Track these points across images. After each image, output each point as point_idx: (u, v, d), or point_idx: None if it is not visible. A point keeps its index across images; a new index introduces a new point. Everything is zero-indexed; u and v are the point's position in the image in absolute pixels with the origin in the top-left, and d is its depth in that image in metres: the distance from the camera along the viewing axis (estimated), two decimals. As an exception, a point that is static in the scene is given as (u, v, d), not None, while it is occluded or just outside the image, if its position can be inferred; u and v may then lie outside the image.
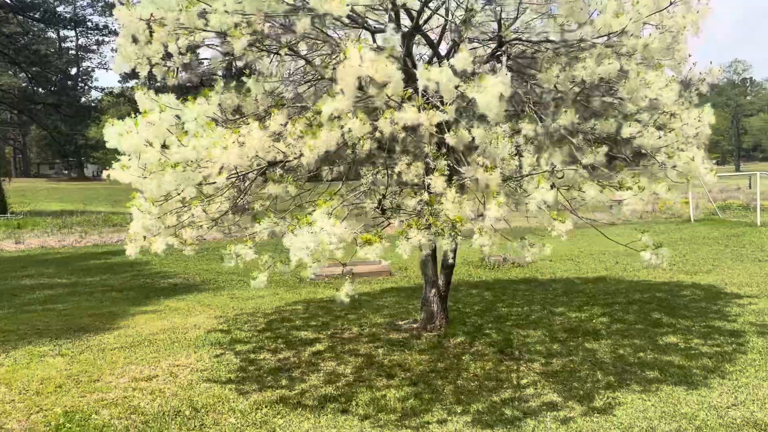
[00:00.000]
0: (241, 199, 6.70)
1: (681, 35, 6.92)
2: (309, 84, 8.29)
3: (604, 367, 7.61)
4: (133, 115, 5.79)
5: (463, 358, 8.14)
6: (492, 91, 4.74)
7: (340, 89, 4.81)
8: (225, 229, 8.09)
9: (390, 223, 6.69)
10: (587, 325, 9.72)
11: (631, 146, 6.96)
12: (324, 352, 8.57)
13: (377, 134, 5.08)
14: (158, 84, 10.35)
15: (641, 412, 6.12)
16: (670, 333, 9.09)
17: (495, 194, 4.91)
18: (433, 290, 9.34)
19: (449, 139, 5.25)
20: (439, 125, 5.30)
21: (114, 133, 5.91)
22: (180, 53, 7.95)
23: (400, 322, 10.00)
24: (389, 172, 5.50)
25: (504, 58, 6.32)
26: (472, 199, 5.39)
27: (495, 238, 5.40)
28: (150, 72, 8.07)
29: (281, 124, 5.47)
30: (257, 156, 5.50)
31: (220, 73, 8.82)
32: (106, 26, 56.68)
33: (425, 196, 5.71)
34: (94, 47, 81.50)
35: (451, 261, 8.51)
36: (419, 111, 4.97)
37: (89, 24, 61.62)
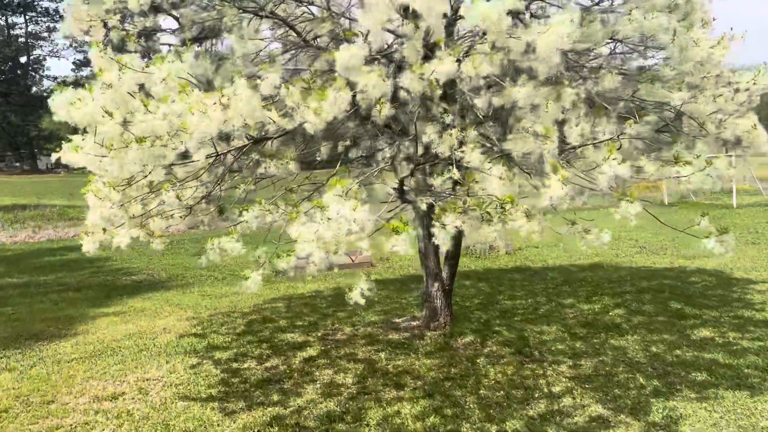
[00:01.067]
0: (222, 182, 5.55)
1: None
2: (291, 51, 7.13)
3: (642, 369, 6.68)
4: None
5: (478, 361, 7.13)
6: (558, 30, 3.68)
7: (360, 32, 3.70)
8: (197, 221, 6.97)
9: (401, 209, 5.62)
10: (604, 318, 8.80)
11: (677, 114, 5.99)
12: (317, 358, 7.47)
13: (403, 94, 3.99)
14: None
15: (712, 426, 5.18)
16: (700, 326, 8.22)
17: (557, 168, 3.88)
18: (436, 284, 8.30)
19: (493, 99, 4.18)
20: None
21: (62, 102, 4.73)
22: (142, 11, 6.74)
23: (397, 320, 8.94)
24: (417, 143, 4.40)
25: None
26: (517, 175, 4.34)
27: (545, 223, 4.37)
28: (107, 37, 6.86)
29: (275, 86, 4.32)
30: (246, 126, 4.34)
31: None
32: (57, 11, 54.05)
33: (454, 172, 4.65)
34: (45, 34, 77.93)
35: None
36: (458, 62, 3.88)
37: (39, 9, 58.75)
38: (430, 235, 6.75)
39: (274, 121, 4.74)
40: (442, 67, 3.85)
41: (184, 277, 13.84)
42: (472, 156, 4.41)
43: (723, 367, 6.64)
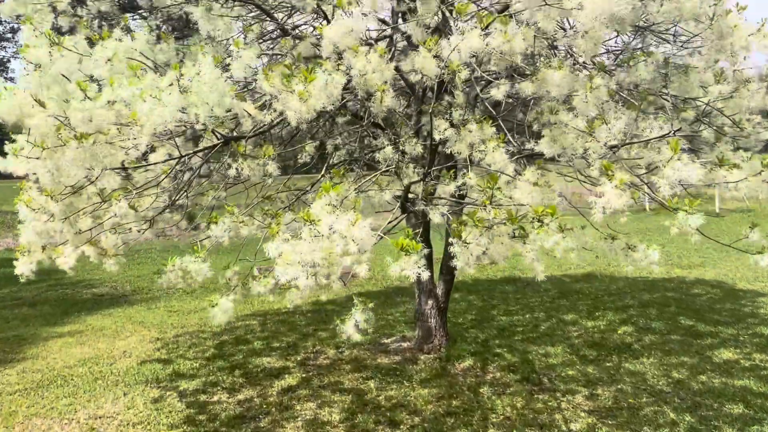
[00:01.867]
0: (189, 189, 4.65)
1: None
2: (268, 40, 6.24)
3: (668, 400, 5.90)
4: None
5: (482, 391, 6.29)
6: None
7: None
8: (160, 232, 6.07)
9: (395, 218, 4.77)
10: (613, 337, 8.03)
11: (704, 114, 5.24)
12: (298, 389, 6.56)
13: (416, 76, 3.14)
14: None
15: (772, 480, 4.41)
16: (719, 346, 7.49)
17: (611, 170, 3.06)
18: (430, 301, 7.45)
19: (518, 85, 3.35)
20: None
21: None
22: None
23: (386, 341, 8.06)
24: (430, 141, 3.52)
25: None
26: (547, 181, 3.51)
27: (580, 239, 3.56)
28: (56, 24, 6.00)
29: (249, 67, 3.45)
30: (213, 117, 3.45)
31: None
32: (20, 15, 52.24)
33: (470, 176, 3.81)
34: (9, 35, 75.71)
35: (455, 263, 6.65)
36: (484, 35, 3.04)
37: (3, 8, 56.81)
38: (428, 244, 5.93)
39: (249, 114, 3.85)
40: (468, 41, 3.00)
41: (150, 290, 12.80)
42: (495, 156, 3.57)
43: (758, 396, 5.88)
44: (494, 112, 4.53)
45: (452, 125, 3.56)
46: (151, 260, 16.08)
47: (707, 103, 5.08)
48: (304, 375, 6.97)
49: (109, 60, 3.44)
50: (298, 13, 6.44)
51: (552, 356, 7.31)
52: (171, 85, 2.96)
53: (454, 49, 3.06)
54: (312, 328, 8.99)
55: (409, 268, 3.04)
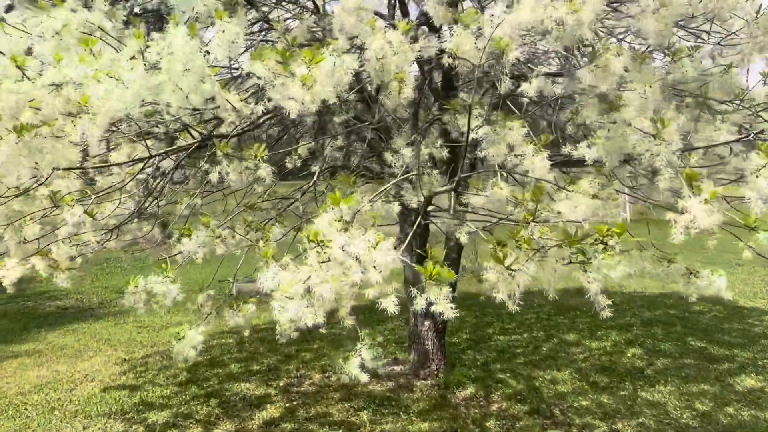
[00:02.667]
0: (161, 196, 3.95)
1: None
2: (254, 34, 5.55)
3: (698, 437, 5.30)
4: None
5: (488, 425, 5.63)
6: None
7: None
8: (126, 244, 5.39)
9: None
10: (622, 360, 7.43)
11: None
12: (281, 421, 5.84)
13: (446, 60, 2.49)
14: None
15: None
16: (738, 371, 6.92)
17: (695, 180, 2.44)
18: (427, 322, 6.77)
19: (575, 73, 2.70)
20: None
21: None
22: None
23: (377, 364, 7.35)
24: (467, 143, 2.84)
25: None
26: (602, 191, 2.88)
27: (643, 263, 2.92)
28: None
29: (233, 43, 2.76)
30: (190, 109, 2.75)
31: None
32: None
33: (500, 185, 3.15)
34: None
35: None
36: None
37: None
38: (421, 260, 5.27)
39: (234, 108, 3.15)
40: (520, 13, 2.35)
41: (118, 304, 11.91)
42: (535, 162, 2.92)
43: (797, 433, 5.32)
44: (518, 112, 3.89)
45: (488, 122, 2.91)
46: (121, 270, 15.17)
47: (751, 107, 4.48)
48: (287, 404, 6.25)
49: (57, 33, 2.72)
50: (283, 4, 5.77)
51: (560, 383, 6.68)
52: (133, 58, 2.26)
53: (499, 24, 2.40)
54: (294, 348, 8.25)
55: (441, 302, 2.38)
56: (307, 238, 2.36)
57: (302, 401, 6.33)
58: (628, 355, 7.63)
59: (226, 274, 6.08)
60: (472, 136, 2.86)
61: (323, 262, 2.26)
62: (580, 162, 3.33)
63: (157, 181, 4.36)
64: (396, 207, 3.53)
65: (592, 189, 2.74)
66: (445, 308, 2.38)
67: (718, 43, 5.20)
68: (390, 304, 2.39)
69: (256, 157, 2.97)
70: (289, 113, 2.64)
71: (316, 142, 4.56)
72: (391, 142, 3.47)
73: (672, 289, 12.02)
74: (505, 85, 2.58)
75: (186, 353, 3.37)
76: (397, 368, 7.12)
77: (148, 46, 2.29)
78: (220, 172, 3.10)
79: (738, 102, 4.36)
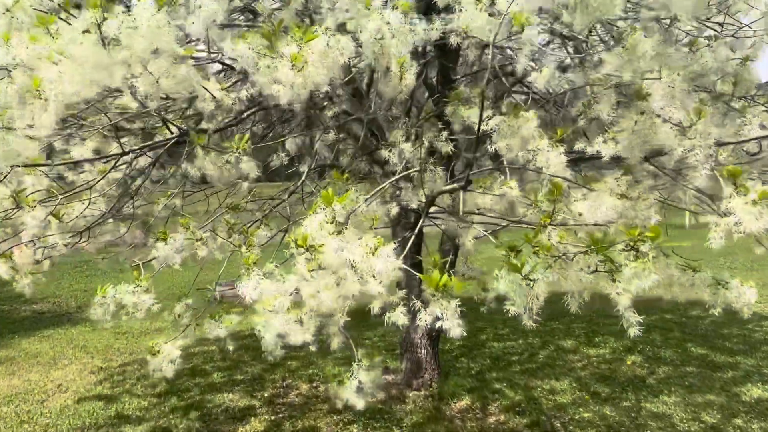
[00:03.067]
0: (137, 196, 3.60)
1: None
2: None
3: (708, 453, 5.01)
4: None
5: (486, 439, 5.32)
6: None
7: None
8: (101, 246, 5.01)
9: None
10: (621, 368, 7.15)
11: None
12: (266, 436, 5.50)
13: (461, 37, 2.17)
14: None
15: None
16: (743, 380, 6.65)
17: (739, 178, 2.14)
18: (420, 329, 6.45)
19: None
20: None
21: None
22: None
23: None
24: (478, 130, 2.52)
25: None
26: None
27: (670, 270, 2.62)
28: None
29: (212, 23, 2.43)
30: (163, 99, 2.41)
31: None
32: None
33: (510, 185, 2.84)
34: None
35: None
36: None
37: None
38: (414, 264, 4.94)
39: (214, 98, 2.81)
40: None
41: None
42: (551, 157, 2.61)
43: (812, 449, 5.05)
44: (524, 106, 3.58)
45: (501, 113, 2.59)
46: (101, 273, 14.72)
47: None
48: (272, 417, 5.90)
49: (8, 11, 2.37)
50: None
51: (559, 393, 6.38)
52: (86, 32, 1.92)
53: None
54: (280, 356, 7.88)
55: (451, 317, 2.06)
56: (294, 242, 2.04)
57: (288, 414, 5.98)
58: (628, 362, 7.34)
59: (208, 279, 5.72)
60: (482, 127, 2.54)
61: (313, 270, 1.94)
62: (595, 159, 3.03)
63: (133, 180, 4.00)
64: (394, 209, 3.21)
65: (619, 188, 2.44)
66: (454, 326, 2.06)
67: (733, 35, 4.91)
68: (400, 317, 2.07)
69: (237, 149, 2.64)
70: (275, 104, 2.32)
71: (304, 136, 4.23)
72: (389, 136, 3.14)
73: (655, 291, 11.78)
74: (521, 64, 2.27)
75: (164, 370, 3.03)
76: (389, 378, 6.79)
77: (105, 18, 1.95)
78: (200, 169, 2.76)
79: (757, 95, 4.08)
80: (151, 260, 3.27)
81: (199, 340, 8.77)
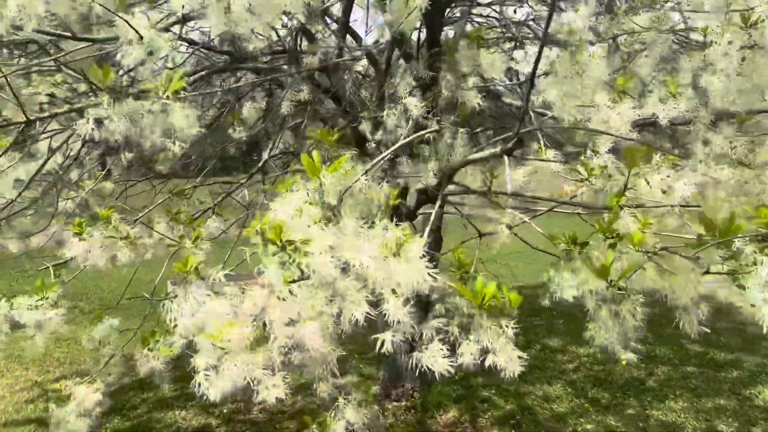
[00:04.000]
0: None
1: None
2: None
3: (734, 470, 4.41)
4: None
5: (481, 460, 4.62)
6: None
7: None
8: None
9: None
10: (617, 369, 6.54)
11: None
12: (224, 463, 4.70)
13: None
14: None
15: None
16: (751, 381, 6.11)
17: None
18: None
19: None
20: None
21: None
22: None
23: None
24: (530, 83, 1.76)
25: None
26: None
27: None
28: None
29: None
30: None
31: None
32: None
33: (545, 156, 2.11)
34: None
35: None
36: None
37: None
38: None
39: (140, 36, 2.00)
40: None
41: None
42: (612, 116, 1.88)
43: None
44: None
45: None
46: (28, 273, 13.59)
47: None
48: (232, 439, 5.11)
49: None
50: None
51: (555, 400, 5.73)
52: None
53: None
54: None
55: (504, 351, 1.32)
56: (260, 234, 1.27)
57: (251, 434, 5.20)
58: (623, 362, 6.74)
59: (143, 287, 4.89)
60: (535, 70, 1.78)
61: (294, 281, 1.19)
62: (651, 124, 2.32)
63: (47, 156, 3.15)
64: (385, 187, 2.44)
65: (734, 154, 1.73)
66: (513, 361, 1.33)
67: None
68: (442, 365, 1.31)
69: (165, 92, 1.81)
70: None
71: (268, 85, 3.43)
72: (389, 85, 2.38)
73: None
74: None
75: (72, 424, 2.24)
76: (364, 387, 6.04)
77: None
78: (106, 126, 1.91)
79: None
80: (61, 263, 2.47)
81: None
